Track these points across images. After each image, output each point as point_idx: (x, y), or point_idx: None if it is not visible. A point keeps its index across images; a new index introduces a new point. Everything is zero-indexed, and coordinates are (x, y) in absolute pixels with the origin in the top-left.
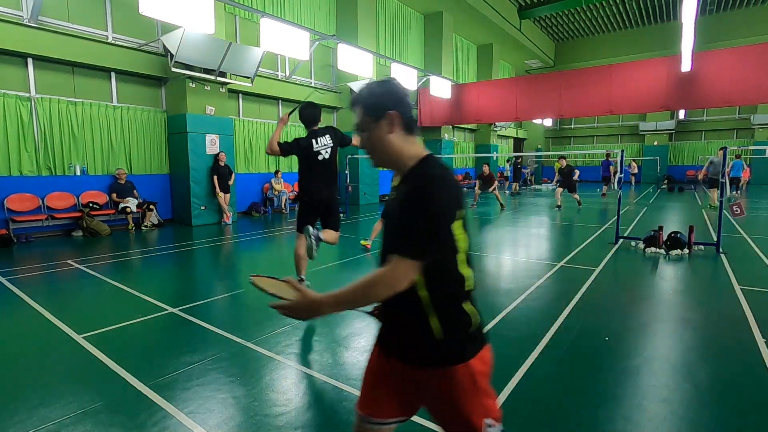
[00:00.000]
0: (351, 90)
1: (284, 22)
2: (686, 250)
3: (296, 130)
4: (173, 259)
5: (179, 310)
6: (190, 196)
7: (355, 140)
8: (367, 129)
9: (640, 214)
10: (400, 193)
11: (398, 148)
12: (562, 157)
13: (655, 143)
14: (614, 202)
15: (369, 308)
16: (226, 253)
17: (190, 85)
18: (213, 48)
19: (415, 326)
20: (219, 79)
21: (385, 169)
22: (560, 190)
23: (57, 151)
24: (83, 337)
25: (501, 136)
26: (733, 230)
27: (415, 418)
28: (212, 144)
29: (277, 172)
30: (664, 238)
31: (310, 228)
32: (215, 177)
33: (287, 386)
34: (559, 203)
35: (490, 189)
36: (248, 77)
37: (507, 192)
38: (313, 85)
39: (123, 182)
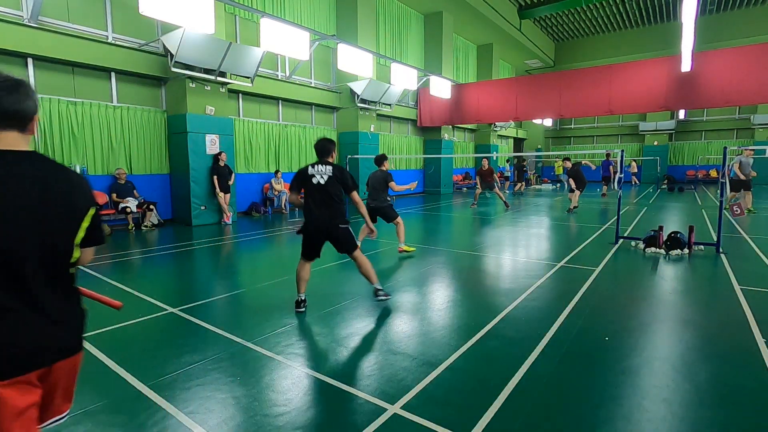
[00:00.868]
0: (351, 90)
1: (284, 22)
2: (686, 250)
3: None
4: (173, 259)
5: (179, 310)
6: (190, 196)
7: (354, 197)
8: None
9: (640, 214)
10: None
11: None
12: (567, 158)
13: (655, 143)
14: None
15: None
16: (226, 253)
17: (190, 85)
18: (213, 48)
19: None
20: (219, 79)
21: None
22: (578, 193)
23: (57, 151)
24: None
25: (501, 136)
26: (733, 230)
27: (413, 417)
28: (212, 144)
29: (277, 172)
30: (664, 238)
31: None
32: (215, 177)
33: (287, 386)
34: (575, 204)
35: (492, 189)
36: (248, 77)
37: (508, 191)
38: (313, 84)
39: (123, 182)
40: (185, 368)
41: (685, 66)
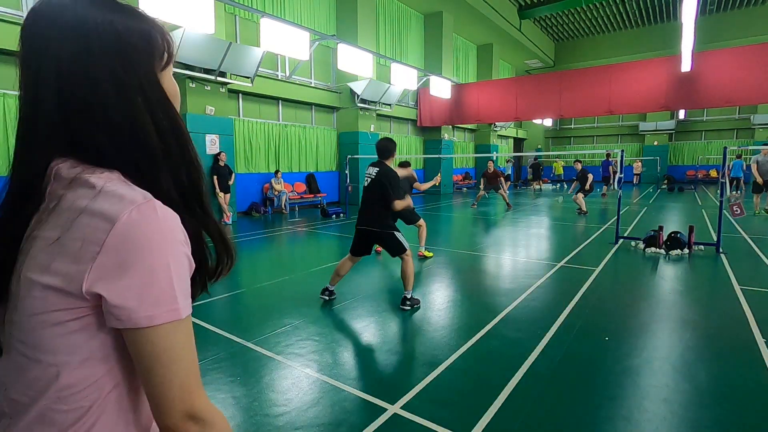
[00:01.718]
0: (351, 90)
1: (284, 22)
2: (686, 250)
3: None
4: None
5: None
6: None
7: (394, 207)
8: None
9: (640, 214)
10: None
11: None
12: (578, 160)
13: (655, 143)
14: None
15: None
16: None
17: (190, 85)
18: (213, 48)
19: None
20: (219, 79)
21: None
22: (581, 195)
23: None
24: None
25: (501, 136)
26: (734, 230)
27: (413, 417)
28: (212, 144)
29: (277, 172)
30: (664, 238)
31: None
32: (215, 177)
33: (287, 386)
34: (584, 208)
35: (497, 191)
36: (248, 77)
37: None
38: (313, 84)
39: None
40: None
41: (685, 66)
